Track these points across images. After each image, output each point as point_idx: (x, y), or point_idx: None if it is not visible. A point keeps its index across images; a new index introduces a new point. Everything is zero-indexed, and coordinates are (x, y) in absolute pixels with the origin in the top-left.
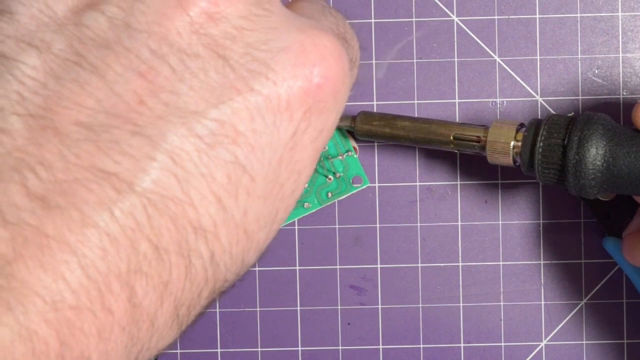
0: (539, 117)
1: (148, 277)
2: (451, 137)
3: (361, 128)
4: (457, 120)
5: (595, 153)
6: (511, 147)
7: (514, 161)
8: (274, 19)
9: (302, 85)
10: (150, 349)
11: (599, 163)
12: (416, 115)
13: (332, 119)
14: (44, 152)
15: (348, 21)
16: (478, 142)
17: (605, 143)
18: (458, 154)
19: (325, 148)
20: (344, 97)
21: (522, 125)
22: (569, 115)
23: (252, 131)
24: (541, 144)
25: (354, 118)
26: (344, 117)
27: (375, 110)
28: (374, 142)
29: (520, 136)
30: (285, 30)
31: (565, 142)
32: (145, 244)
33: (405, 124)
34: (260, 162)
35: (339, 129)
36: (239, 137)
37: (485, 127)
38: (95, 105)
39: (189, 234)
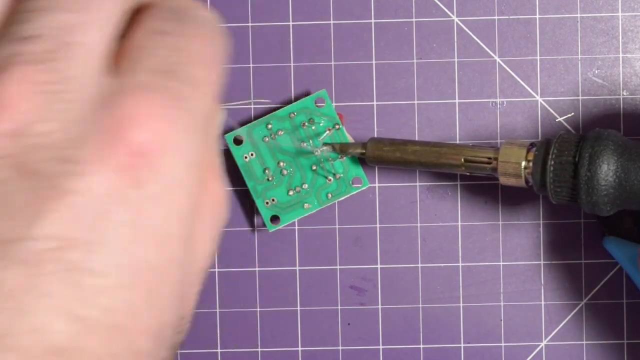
0: (549, 137)
1: None
2: (462, 160)
3: (372, 155)
4: (467, 141)
5: (606, 169)
6: (522, 168)
7: (526, 182)
8: (77, 107)
9: (122, 163)
10: None
11: (610, 179)
12: (426, 140)
13: (178, 177)
14: None
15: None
16: (489, 163)
17: (616, 159)
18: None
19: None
20: (186, 147)
21: (532, 144)
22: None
23: (86, 230)
24: (552, 163)
25: (364, 145)
26: (354, 145)
27: (383, 137)
28: (385, 167)
29: (531, 156)
30: (92, 113)
31: (577, 159)
32: None
33: (415, 148)
34: (106, 254)
35: (348, 155)
36: (71, 242)
37: (496, 148)
38: None
39: (48, 358)
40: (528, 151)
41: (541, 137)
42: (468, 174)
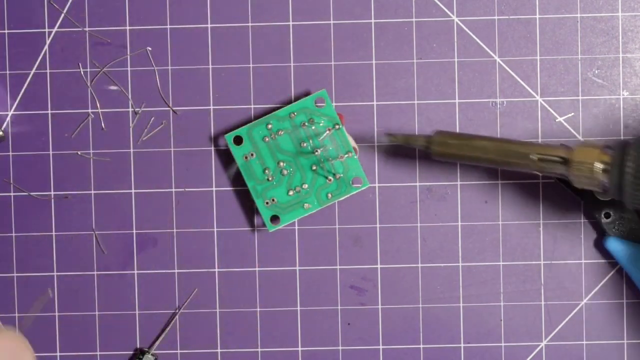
0: (624, 138)
1: None
2: (535, 158)
3: (437, 149)
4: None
5: None
6: (598, 169)
7: (600, 184)
8: None
9: None
10: None
11: None
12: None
13: None
14: None
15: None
16: (563, 163)
17: None
18: None
19: (325, 149)
20: None
21: (607, 146)
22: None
23: None
24: (630, 165)
25: (428, 138)
26: (418, 137)
27: (449, 130)
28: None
29: (607, 157)
30: None
31: None
32: None
33: (484, 144)
34: None
35: (410, 147)
36: None
37: (568, 148)
38: None
39: None
40: (603, 153)
41: (609, 141)
42: (538, 173)
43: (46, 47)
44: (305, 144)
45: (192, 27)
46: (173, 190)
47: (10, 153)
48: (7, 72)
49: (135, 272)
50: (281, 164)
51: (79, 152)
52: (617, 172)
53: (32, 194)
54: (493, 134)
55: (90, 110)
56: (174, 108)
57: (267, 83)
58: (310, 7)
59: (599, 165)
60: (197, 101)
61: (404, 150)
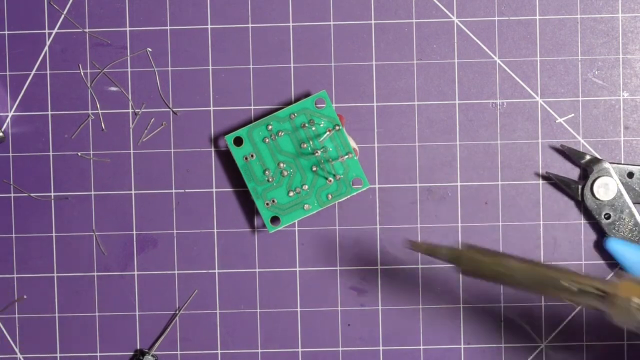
0: None
1: None
2: (575, 290)
3: (467, 268)
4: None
5: None
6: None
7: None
8: None
9: None
10: None
11: None
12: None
13: None
14: None
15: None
16: (602, 296)
17: None
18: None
19: (325, 150)
20: None
21: None
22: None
23: None
24: None
25: (454, 251)
26: (442, 248)
27: (475, 245)
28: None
29: None
30: None
31: None
32: None
33: (514, 265)
34: None
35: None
36: None
37: (606, 280)
38: None
39: None
40: None
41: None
42: (569, 302)
43: (46, 48)
44: (305, 145)
45: (192, 27)
46: (173, 191)
47: (10, 154)
48: (8, 73)
49: (136, 273)
50: (281, 165)
51: (79, 153)
52: None
53: (32, 195)
54: (493, 134)
55: (90, 111)
56: (174, 109)
57: (267, 84)
58: (310, 7)
59: None
60: (197, 102)
61: (403, 151)
